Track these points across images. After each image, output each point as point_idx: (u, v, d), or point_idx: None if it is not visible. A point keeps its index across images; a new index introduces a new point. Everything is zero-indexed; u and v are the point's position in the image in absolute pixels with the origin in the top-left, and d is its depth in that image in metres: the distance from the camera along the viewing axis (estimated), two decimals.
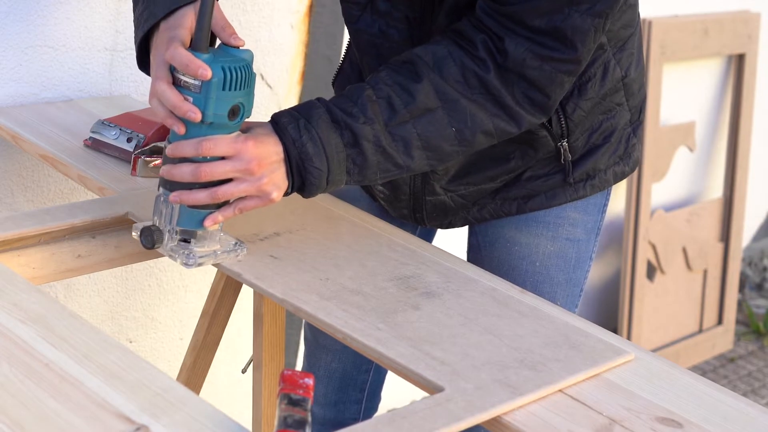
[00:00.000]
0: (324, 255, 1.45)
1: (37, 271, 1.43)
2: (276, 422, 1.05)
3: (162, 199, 1.37)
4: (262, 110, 2.26)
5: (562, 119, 1.52)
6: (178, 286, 2.27)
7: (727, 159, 3.48)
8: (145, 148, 1.65)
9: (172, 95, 1.31)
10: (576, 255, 1.63)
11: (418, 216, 1.63)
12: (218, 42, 1.37)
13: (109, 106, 1.92)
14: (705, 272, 3.43)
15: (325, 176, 1.35)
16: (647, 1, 2.43)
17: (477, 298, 1.39)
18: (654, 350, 3.24)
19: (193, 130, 1.33)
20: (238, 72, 1.31)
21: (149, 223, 1.39)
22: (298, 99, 2.33)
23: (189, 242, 1.38)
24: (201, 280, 2.28)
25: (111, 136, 1.69)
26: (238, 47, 1.34)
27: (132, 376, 1.11)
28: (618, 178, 1.62)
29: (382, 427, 1.10)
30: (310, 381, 1.11)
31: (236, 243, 1.41)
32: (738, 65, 3.41)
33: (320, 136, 1.34)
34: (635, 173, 3.12)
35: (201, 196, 1.33)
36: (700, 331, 3.46)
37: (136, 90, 2.05)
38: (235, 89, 1.31)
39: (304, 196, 1.39)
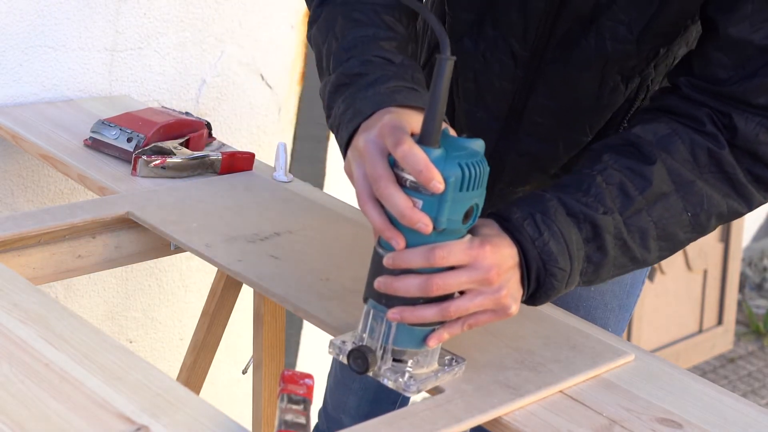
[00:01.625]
0: (324, 255, 1.45)
1: (37, 272, 1.43)
2: (276, 422, 1.05)
3: (373, 314, 1.15)
4: (261, 110, 2.26)
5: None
6: (178, 286, 2.27)
7: None
8: (146, 148, 1.65)
9: (401, 200, 1.08)
10: (631, 280, 1.56)
11: None
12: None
13: (109, 106, 1.93)
14: (705, 272, 3.43)
15: (566, 278, 1.17)
16: None
17: None
18: (654, 350, 3.24)
19: (419, 237, 1.10)
20: (476, 169, 1.09)
21: (352, 340, 1.18)
22: (298, 99, 2.33)
23: (403, 362, 1.16)
24: (201, 281, 2.28)
25: (111, 136, 1.69)
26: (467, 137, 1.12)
27: (132, 376, 1.11)
28: None
29: (382, 427, 1.10)
30: (310, 381, 1.11)
31: (452, 358, 1.21)
32: None
33: (562, 232, 1.16)
34: None
35: (430, 313, 1.11)
36: (700, 331, 3.46)
37: (136, 90, 2.05)
38: (473, 189, 1.09)
39: (533, 305, 1.20)
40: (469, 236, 1.13)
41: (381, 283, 1.12)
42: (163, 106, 1.91)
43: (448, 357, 1.20)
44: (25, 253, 1.42)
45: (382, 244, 1.14)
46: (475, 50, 1.37)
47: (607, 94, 1.36)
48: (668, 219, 1.22)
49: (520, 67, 1.36)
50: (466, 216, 1.10)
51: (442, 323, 1.14)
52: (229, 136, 2.21)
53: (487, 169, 1.10)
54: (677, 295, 3.34)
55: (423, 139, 1.08)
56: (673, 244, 1.25)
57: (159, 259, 1.89)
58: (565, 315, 1.38)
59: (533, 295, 1.18)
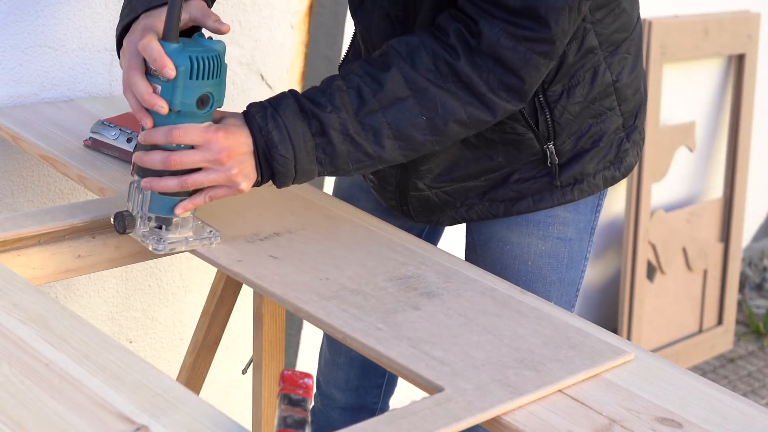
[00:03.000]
0: (324, 255, 1.45)
1: (37, 271, 1.43)
2: (276, 422, 1.05)
3: (135, 185, 1.40)
4: None
5: (549, 121, 1.52)
6: (178, 287, 2.27)
7: (727, 159, 3.48)
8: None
9: (142, 86, 1.34)
10: (568, 254, 1.63)
11: (405, 209, 1.64)
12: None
13: (109, 106, 1.93)
14: (705, 272, 3.43)
15: (292, 164, 1.37)
16: (647, 1, 2.43)
17: (477, 299, 1.39)
18: (654, 350, 3.24)
19: (163, 118, 1.36)
20: (206, 62, 1.34)
21: (124, 209, 1.42)
22: None
23: (161, 228, 1.41)
24: (201, 281, 2.28)
25: (111, 136, 1.69)
26: (223, 32, 1.38)
27: (132, 376, 1.11)
28: (608, 183, 1.61)
29: (382, 427, 1.10)
30: (309, 381, 1.11)
31: (211, 231, 1.43)
32: (738, 65, 3.41)
33: (285, 124, 1.36)
34: (635, 173, 3.11)
35: (171, 184, 1.36)
36: (700, 331, 3.46)
37: None
38: (204, 78, 1.34)
39: (277, 186, 1.40)
40: (209, 123, 1.36)
41: (136, 157, 1.38)
42: None
43: (208, 230, 1.43)
44: (25, 253, 1.42)
45: (143, 128, 1.39)
46: (363, 20, 1.53)
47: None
48: (402, 121, 1.38)
49: (397, 25, 1.50)
50: (202, 102, 1.35)
51: (189, 195, 1.39)
52: None
53: (224, 65, 1.36)
54: (677, 295, 3.34)
55: (164, 36, 1.34)
56: (411, 144, 1.41)
57: (159, 259, 1.89)
58: (565, 314, 1.38)
59: (273, 179, 1.39)
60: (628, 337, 3.17)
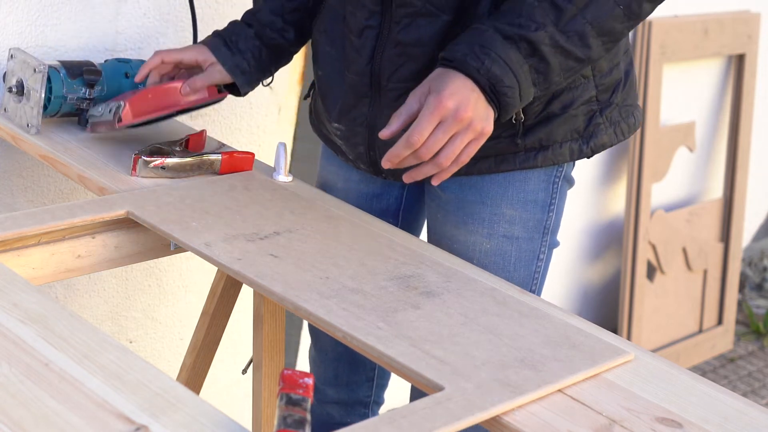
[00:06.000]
0: (324, 254, 1.45)
1: (37, 271, 1.43)
2: (276, 422, 1.05)
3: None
4: (262, 110, 2.26)
5: None
6: (178, 287, 2.27)
7: (727, 159, 3.48)
8: (146, 148, 1.66)
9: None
10: (516, 254, 1.61)
11: (372, 154, 1.61)
12: None
13: None
14: (705, 272, 3.43)
15: (517, 92, 1.40)
16: None
17: (477, 298, 1.39)
18: (654, 350, 3.24)
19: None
20: None
21: None
22: (298, 99, 2.33)
23: None
24: (201, 281, 2.28)
25: (98, 113, 1.71)
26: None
27: (132, 376, 1.11)
28: (574, 156, 1.58)
29: (382, 427, 1.10)
30: (310, 381, 1.11)
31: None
32: (738, 65, 3.41)
33: (500, 55, 1.38)
34: (635, 173, 3.12)
35: (429, 169, 1.40)
36: (700, 331, 3.46)
37: None
38: None
39: (501, 119, 1.42)
40: (418, 92, 1.39)
41: (388, 160, 1.41)
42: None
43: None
44: (25, 253, 1.42)
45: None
46: None
47: None
48: (602, 16, 1.40)
49: None
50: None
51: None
52: (229, 135, 2.21)
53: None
54: (677, 295, 3.34)
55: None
56: (614, 36, 1.43)
57: (159, 259, 1.89)
58: (565, 314, 1.38)
59: (500, 111, 1.40)
60: (628, 337, 3.17)
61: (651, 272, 3.25)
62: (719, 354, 3.51)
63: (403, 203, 1.74)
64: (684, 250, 3.33)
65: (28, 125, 1.73)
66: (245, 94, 1.73)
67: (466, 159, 1.41)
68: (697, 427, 1.19)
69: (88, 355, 1.13)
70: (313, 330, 1.89)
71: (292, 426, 1.05)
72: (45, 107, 1.73)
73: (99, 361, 1.12)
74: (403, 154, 1.39)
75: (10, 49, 1.77)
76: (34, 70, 1.71)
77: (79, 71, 1.76)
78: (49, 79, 1.72)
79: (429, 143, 1.38)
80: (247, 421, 2.05)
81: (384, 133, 1.40)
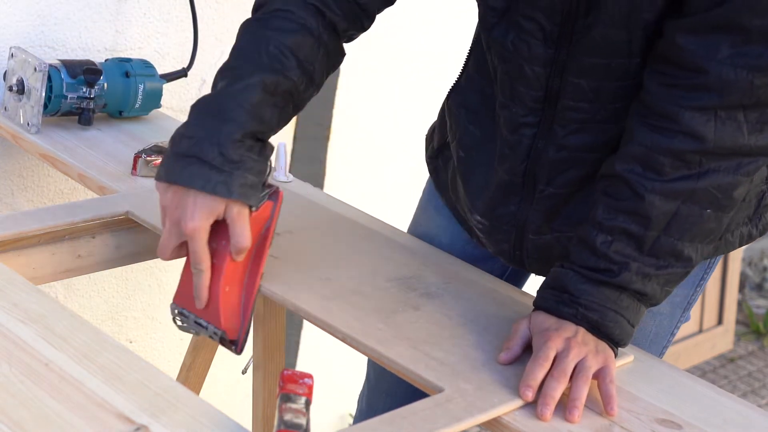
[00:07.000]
0: (324, 255, 1.45)
1: (37, 271, 1.43)
2: (276, 422, 1.05)
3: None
4: None
5: None
6: None
7: None
8: (146, 147, 1.65)
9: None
10: (656, 330, 1.50)
11: (517, 254, 1.44)
12: None
13: None
14: None
15: (625, 322, 1.26)
16: None
17: (477, 299, 1.39)
18: None
19: None
20: None
21: None
22: None
23: None
24: None
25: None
26: None
27: (132, 376, 1.11)
28: (744, 242, 1.44)
29: (382, 427, 1.10)
30: (309, 381, 1.11)
31: None
32: None
33: (592, 302, 1.25)
34: None
35: (548, 414, 1.19)
36: (700, 331, 3.46)
37: None
38: None
39: (623, 346, 1.28)
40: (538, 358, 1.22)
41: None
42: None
43: None
44: (25, 253, 1.42)
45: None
46: (504, 38, 1.33)
47: (637, 51, 1.29)
48: (689, 226, 1.24)
49: (550, 44, 1.30)
50: None
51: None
52: None
53: None
54: None
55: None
56: (712, 234, 1.27)
57: (159, 259, 1.89)
58: None
59: (618, 344, 1.27)
60: None
61: None
62: (719, 354, 3.51)
63: (510, 268, 1.58)
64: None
65: (28, 124, 1.73)
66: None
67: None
68: (697, 428, 1.19)
69: (88, 355, 1.13)
70: (368, 387, 1.69)
71: (292, 426, 1.05)
72: (45, 106, 1.73)
73: (99, 361, 1.12)
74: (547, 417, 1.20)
75: (10, 48, 1.77)
76: (35, 69, 1.71)
77: (79, 70, 1.76)
78: (49, 78, 1.72)
79: (547, 390, 1.20)
80: (247, 421, 2.05)
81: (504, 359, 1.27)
